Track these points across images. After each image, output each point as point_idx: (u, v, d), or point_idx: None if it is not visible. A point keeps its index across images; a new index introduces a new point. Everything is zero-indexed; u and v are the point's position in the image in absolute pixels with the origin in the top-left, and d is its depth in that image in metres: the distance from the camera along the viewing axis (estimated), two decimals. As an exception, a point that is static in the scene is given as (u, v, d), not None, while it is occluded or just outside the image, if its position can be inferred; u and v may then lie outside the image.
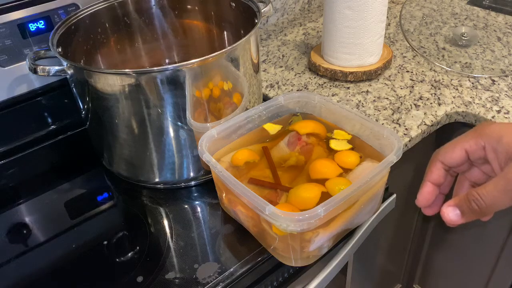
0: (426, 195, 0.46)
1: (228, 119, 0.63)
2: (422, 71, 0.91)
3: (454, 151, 0.44)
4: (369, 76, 0.87)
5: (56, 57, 0.61)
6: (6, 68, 0.71)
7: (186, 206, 0.66)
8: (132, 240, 0.61)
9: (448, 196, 0.47)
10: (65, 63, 0.60)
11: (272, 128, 0.68)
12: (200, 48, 0.85)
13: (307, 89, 0.87)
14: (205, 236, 0.61)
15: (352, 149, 0.63)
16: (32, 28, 0.71)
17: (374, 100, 0.82)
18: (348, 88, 0.86)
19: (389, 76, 0.90)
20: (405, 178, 0.91)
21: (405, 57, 0.96)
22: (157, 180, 0.68)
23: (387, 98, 0.83)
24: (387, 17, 0.97)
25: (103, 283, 0.56)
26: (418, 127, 0.76)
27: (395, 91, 0.85)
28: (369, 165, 0.59)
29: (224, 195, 0.61)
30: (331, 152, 0.63)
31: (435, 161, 0.46)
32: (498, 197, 0.39)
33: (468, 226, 0.98)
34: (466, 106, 0.80)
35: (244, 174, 0.61)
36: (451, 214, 0.42)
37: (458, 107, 0.80)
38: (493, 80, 0.87)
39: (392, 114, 0.79)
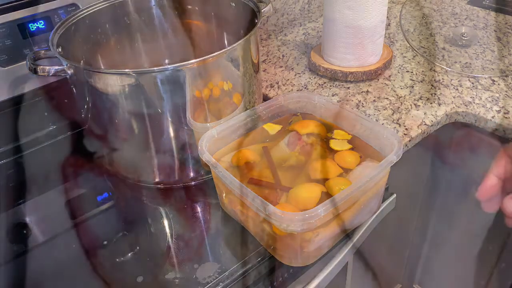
0: (488, 188, 0.43)
1: (228, 119, 0.63)
2: (422, 71, 0.91)
3: None
4: (369, 76, 0.87)
5: (56, 57, 0.61)
6: (6, 68, 0.71)
7: (186, 206, 0.66)
8: (132, 240, 0.61)
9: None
10: (65, 63, 0.60)
11: (272, 128, 0.68)
12: (200, 48, 0.85)
13: (307, 89, 0.87)
14: (205, 236, 0.61)
15: (352, 149, 0.63)
16: (32, 28, 0.71)
17: (374, 100, 0.82)
18: (348, 88, 0.86)
19: (389, 76, 0.90)
20: (405, 178, 0.91)
21: (405, 57, 0.96)
22: (157, 180, 0.68)
23: (387, 98, 0.83)
24: (387, 17, 0.97)
25: (103, 283, 0.56)
26: (418, 127, 0.76)
27: (395, 91, 0.85)
28: (369, 165, 0.59)
29: (224, 195, 0.61)
30: (331, 152, 0.63)
31: (503, 154, 0.43)
32: None
33: (468, 225, 0.97)
34: (466, 106, 0.80)
35: (244, 174, 0.61)
36: None
37: (458, 107, 0.80)
38: (493, 80, 0.87)
39: (392, 114, 0.79)
